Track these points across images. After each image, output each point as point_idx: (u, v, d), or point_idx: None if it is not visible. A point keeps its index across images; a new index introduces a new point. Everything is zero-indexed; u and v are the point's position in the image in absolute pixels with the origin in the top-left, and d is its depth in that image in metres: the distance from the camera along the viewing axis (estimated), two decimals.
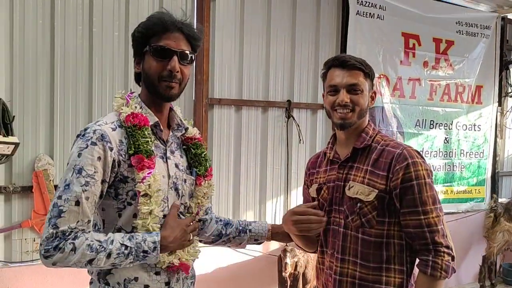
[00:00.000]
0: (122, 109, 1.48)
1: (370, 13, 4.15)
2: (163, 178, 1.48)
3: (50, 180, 3.01)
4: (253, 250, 3.79)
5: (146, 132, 1.44)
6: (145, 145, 1.42)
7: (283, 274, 3.41)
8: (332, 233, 1.74)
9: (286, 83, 3.91)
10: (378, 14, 4.19)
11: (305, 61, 3.97)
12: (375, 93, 1.75)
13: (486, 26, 4.83)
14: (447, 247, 1.59)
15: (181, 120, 1.61)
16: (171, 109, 1.60)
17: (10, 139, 2.83)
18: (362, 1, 4.09)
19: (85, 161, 1.36)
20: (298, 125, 3.93)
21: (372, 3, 4.14)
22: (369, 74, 1.69)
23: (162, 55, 1.44)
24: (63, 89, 3.09)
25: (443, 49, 4.59)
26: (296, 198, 4.01)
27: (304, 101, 3.99)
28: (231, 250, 3.70)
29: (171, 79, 1.45)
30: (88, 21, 3.15)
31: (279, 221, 3.90)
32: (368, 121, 1.76)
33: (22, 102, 2.98)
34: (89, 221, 1.37)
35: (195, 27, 1.51)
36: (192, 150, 1.63)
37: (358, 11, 4.08)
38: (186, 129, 1.62)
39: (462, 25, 4.67)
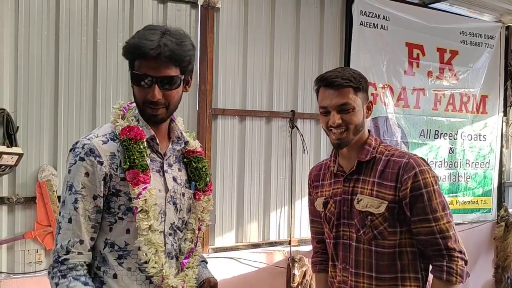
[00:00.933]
0: (117, 122, 1.46)
1: (373, 24, 4.15)
2: (159, 192, 1.45)
3: (54, 191, 3.00)
4: (258, 262, 3.76)
5: (141, 146, 1.41)
6: (140, 160, 1.39)
7: (292, 284, 3.38)
8: (342, 247, 1.75)
9: (290, 93, 3.91)
10: (381, 25, 4.19)
11: (309, 71, 3.97)
12: (371, 103, 1.75)
13: (491, 36, 4.82)
14: (460, 252, 1.61)
15: (181, 132, 1.57)
16: (172, 121, 1.57)
17: (14, 149, 2.84)
18: (365, 12, 4.10)
19: (74, 177, 1.37)
20: (302, 135, 3.92)
21: (375, 14, 4.15)
22: (360, 87, 1.66)
23: (141, 82, 1.39)
24: (67, 100, 3.09)
25: (447, 59, 4.59)
26: (301, 209, 3.99)
27: (308, 111, 3.98)
28: (236, 261, 3.67)
29: (155, 105, 1.40)
30: (93, 32, 3.17)
31: (283, 231, 3.90)
32: (369, 131, 1.77)
33: (26, 113, 2.98)
34: (81, 241, 1.36)
35: (184, 43, 1.39)
36: (193, 164, 1.58)
37: (361, 21, 4.08)
38: (186, 142, 1.57)
39: (466, 35, 4.67)
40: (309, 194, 1.95)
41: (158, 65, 1.36)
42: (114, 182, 1.40)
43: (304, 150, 3.94)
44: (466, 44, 4.68)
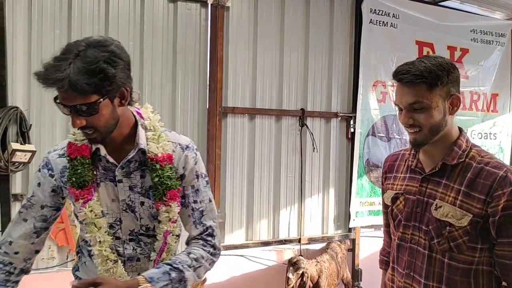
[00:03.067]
0: (68, 136, 1.52)
1: (383, 22, 4.14)
2: (112, 202, 1.49)
3: None
4: (268, 260, 3.77)
5: (84, 161, 1.45)
6: (79, 176, 1.43)
7: (286, 287, 3.38)
8: (409, 252, 1.60)
9: (299, 92, 3.91)
10: (391, 23, 4.17)
11: (318, 69, 3.97)
12: (457, 98, 1.51)
13: (502, 34, 4.78)
14: None
15: (141, 138, 1.49)
16: (136, 127, 1.51)
17: (27, 147, 2.87)
18: (375, 10, 4.09)
19: (30, 185, 1.53)
20: (312, 134, 3.92)
21: (385, 12, 4.13)
22: (437, 83, 1.45)
23: (63, 110, 1.35)
24: None
25: (457, 57, 4.55)
26: (311, 207, 3.99)
27: (318, 109, 3.98)
28: (245, 259, 3.69)
29: (84, 129, 1.36)
30: (104, 31, 3.20)
31: (293, 229, 3.90)
32: (460, 130, 1.58)
33: (39, 111, 3.02)
34: (10, 243, 1.51)
35: (94, 67, 1.28)
36: (151, 172, 1.48)
37: (371, 19, 4.07)
38: (142, 150, 1.47)
39: (477, 33, 4.64)
40: (382, 184, 1.81)
41: (67, 95, 1.30)
42: (65, 193, 1.50)
43: (314, 148, 3.94)
44: (477, 42, 4.65)
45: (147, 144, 1.49)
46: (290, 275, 3.34)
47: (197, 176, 1.55)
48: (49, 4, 3.03)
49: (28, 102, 2.99)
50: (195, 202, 1.55)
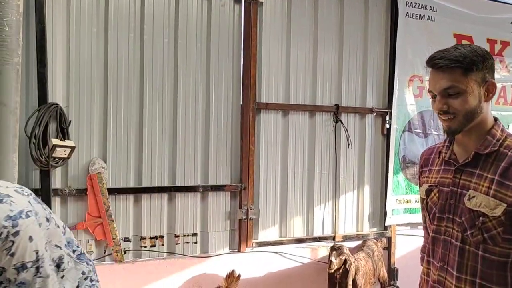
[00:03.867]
0: None
1: (420, 15, 4.04)
2: None
3: (104, 183, 3.09)
4: (302, 257, 3.74)
5: None
6: None
7: (328, 270, 3.35)
8: (443, 244, 1.58)
9: (333, 87, 3.86)
10: (428, 16, 4.07)
11: (353, 64, 3.91)
12: (493, 84, 1.49)
13: None
14: None
15: None
16: None
17: (66, 143, 2.94)
18: (411, 3, 3.99)
19: None
20: (347, 130, 3.86)
21: (422, 5, 4.04)
22: (472, 68, 1.45)
23: None
24: (116, 95, 3.18)
25: (498, 50, 4.41)
26: (345, 204, 3.94)
27: (353, 105, 3.92)
28: (279, 256, 3.67)
29: None
30: (140, 29, 3.24)
31: (327, 227, 3.86)
32: (495, 120, 1.54)
33: (77, 108, 3.08)
34: None
35: None
36: None
37: (407, 13, 3.98)
38: None
39: None
40: (419, 179, 1.79)
41: None
42: None
43: (349, 144, 3.88)
44: None
45: None
46: (333, 259, 3.30)
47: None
48: (87, 3, 3.09)
49: (67, 99, 3.06)
50: None
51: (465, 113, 1.47)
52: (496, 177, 1.45)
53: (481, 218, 1.45)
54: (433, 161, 1.69)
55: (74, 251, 1.43)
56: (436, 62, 1.47)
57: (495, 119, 1.55)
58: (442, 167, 1.63)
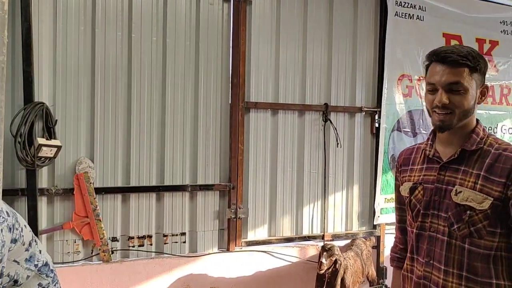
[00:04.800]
0: None
1: (409, 14, 4.04)
2: None
3: (91, 183, 3.07)
4: (291, 256, 3.74)
5: None
6: None
7: (318, 271, 3.35)
8: (428, 240, 1.61)
9: (323, 86, 3.86)
10: (417, 15, 4.08)
11: (342, 63, 3.91)
12: (487, 87, 1.56)
13: None
14: None
15: None
16: None
17: (52, 142, 2.91)
18: (400, 2, 3.99)
19: None
20: (336, 129, 3.86)
21: (411, 4, 4.04)
22: (477, 68, 1.49)
23: None
24: (103, 94, 3.15)
25: (486, 50, 4.42)
26: (334, 203, 3.94)
27: (342, 104, 3.92)
28: (268, 255, 3.66)
29: None
30: (128, 27, 3.22)
31: (316, 226, 3.86)
32: (477, 120, 1.60)
33: (64, 107, 3.06)
34: None
35: None
36: None
37: (396, 12, 3.98)
38: None
39: (506, 25, 4.49)
40: (396, 179, 1.83)
41: None
42: None
43: (338, 143, 3.88)
44: (507, 34, 4.50)
45: None
46: (323, 260, 3.30)
47: None
48: (73, 1, 3.06)
49: (53, 98, 3.03)
50: None
51: (462, 111, 1.51)
52: (482, 173, 1.50)
53: (468, 212, 1.50)
54: (414, 160, 1.73)
55: (36, 265, 1.51)
56: (446, 56, 1.49)
57: (477, 120, 1.61)
58: (425, 165, 1.66)
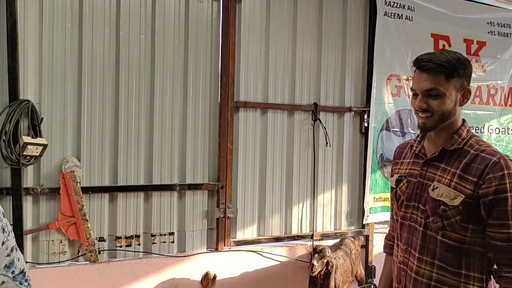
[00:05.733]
0: None
1: (398, 14, 4.06)
2: None
3: (77, 182, 3.02)
4: (280, 255, 3.73)
5: None
6: None
7: (310, 273, 3.35)
8: (408, 229, 1.75)
9: (312, 86, 3.85)
10: (406, 15, 4.09)
11: (331, 63, 3.90)
12: (468, 91, 1.65)
13: None
14: None
15: None
16: None
17: (38, 140, 2.87)
18: (390, 2, 4.01)
19: None
20: (325, 128, 3.86)
21: (400, 4, 4.05)
22: (455, 73, 1.59)
23: None
24: (91, 92, 3.11)
25: (474, 50, 4.46)
26: (323, 203, 3.94)
27: (331, 104, 3.92)
28: (257, 254, 3.65)
29: None
30: (115, 25, 3.18)
31: (305, 225, 3.85)
32: (463, 121, 1.70)
33: (50, 104, 3.01)
34: None
35: None
36: None
37: (385, 12, 3.99)
38: None
39: (494, 26, 4.53)
40: (391, 171, 1.96)
41: None
42: None
43: (327, 143, 3.88)
44: (494, 34, 4.54)
45: None
46: (315, 262, 3.30)
47: None
48: None
49: (39, 95, 2.98)
50: None
51: (441, 114, 1.62)
52: (458, 171, 1.62)
53: (441, 207, 1.62)
54: (405, 155, 1.86)
55: (13, 271, 1.49)
56: (423, 64, 1.61)
57: (463, 120, 1.71)
58: (412, 160, 1.80)
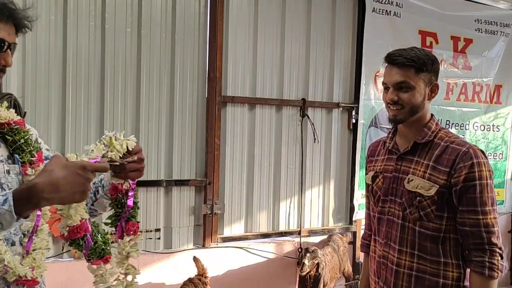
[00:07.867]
0: None
1: (386, 11, 4.06)
2: None
3: None
4: (268, 252, 3.71)
5: None
6: None
7: (300, 273, 3.34)
8: (386, 223, 1.81)
9: (300, 81, 3.84)
10: (394, 12, 4.10)
11: (320, 59, 3.89)
12: (436, 85, 1.75)
13: (506, 24, 4.70)
14: (500, 248, 1.65)
15: None
16: None
17: None
18: None
19: None
20: (313, 124, 3.85)
21: (388, 0, 4.05)
22: (424, 68, 1.69)
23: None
24: (75, 86, 3.05)
25: (461, 48, 4.49)
26: (311, 199, 3.93)
27: (319, 99, 3.91)
28: (244, 251, 3.63)
29: (2, 73, 1.32)
30: (101, 18, 3.12)
31: (293, 221, 3.85)
32: (432, 115, 1.79)
33: (34, 98, 2.94)
34: None
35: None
36: (9, 137, 1.36)
37: (374, 8, 3.99)
38: None
39: (481, 23, 4.56)
40: (366, 170, 2.02)
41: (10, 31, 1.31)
42: None
43: (315, 139, 3.87)
44: (481, 32, 4.57)
45: None
46: (306, 261, 3.29)
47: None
48: None
49: (22, 89, 2.91)
50: None
51: (411, 107, 1.70)
52: (430, 163, 1.70)
53: (418, 198, 1.69)
54: (378, 152, 1.93)
55: None
56: (394, 58, 1.71)
57: (432, 115, 1.80)
58: (386, 156, 1.86)
